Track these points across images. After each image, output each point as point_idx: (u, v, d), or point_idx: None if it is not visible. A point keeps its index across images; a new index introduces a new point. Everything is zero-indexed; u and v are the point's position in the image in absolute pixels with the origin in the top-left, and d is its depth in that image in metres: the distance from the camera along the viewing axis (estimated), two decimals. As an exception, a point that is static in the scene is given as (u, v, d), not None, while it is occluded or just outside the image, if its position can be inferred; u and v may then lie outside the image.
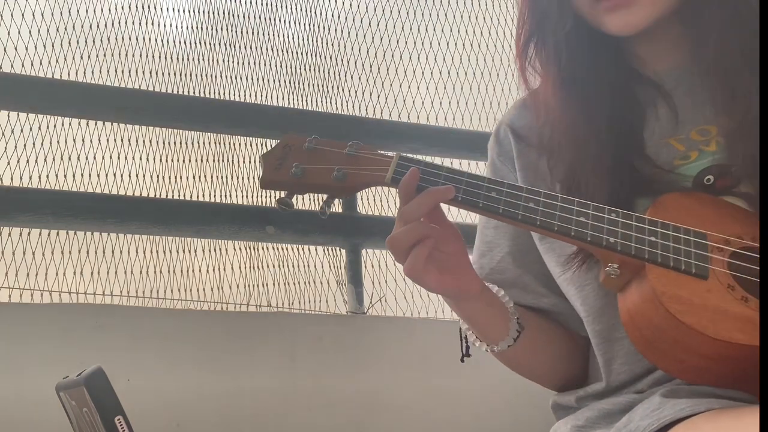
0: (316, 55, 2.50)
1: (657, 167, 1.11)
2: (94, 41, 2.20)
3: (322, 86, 2.49)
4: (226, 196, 2.30)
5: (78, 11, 2.18)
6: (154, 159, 2.23)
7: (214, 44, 2.37)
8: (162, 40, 2.30)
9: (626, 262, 1.01)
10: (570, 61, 1.16)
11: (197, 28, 2.36)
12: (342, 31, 2.53)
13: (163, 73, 2.28)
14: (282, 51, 2.45)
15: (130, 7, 2.26)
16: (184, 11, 2.34)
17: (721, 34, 1.11)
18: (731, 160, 1.09)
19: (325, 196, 1.11)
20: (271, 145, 1.14)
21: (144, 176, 2.21)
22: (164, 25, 2.32)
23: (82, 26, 2.18)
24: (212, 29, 2.37)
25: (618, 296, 1.05)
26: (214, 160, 2.31)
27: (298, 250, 2.35)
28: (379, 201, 2.46)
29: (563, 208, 1.04)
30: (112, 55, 2.22)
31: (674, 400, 1.00)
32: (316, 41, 2.51)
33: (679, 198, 1.07)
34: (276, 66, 2.43)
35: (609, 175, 1.10)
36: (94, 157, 2.16)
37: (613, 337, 1.14)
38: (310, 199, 2.34)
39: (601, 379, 1.16)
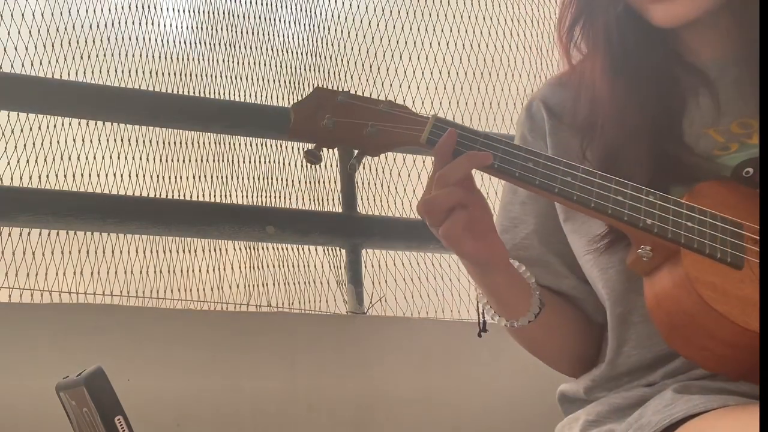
0: (316, 55, 2.49)
1: (696, 155, 1.10)
2: (94, 41, 2.19)
3: (322, 86, 2.48)
4: (226, 196, 2.30)
5: (78, 11, 2.18)
6: (154, 159, 2.23)
7: (214, 44, 2.36)
8: (162, 40, 2.30)
9: (660, 245, 1.00)
10: (620, 43, 1.15)
11: (197, 28, 2.36)
12: (342, 31, 2.53)
13: (163, 73, 2.28)
14: (282, 51, 2.45)
15: (130, 7, 2.26)
16: (184, 11, 2.34)
17: None
18: None
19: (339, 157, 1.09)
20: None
21: (144, 176, 2.20)
22: (164, 25, 2.31)
23: (82, 26, 2.18)
24: (212, 29, 2.37)
25: (645, 280, 1.04)
26: (214, 160, 2.31)
27: (298, 250, 2.35)
28: (379, 201, 2.46)
29: (601, 185, 1.02)
30: (112, 55, 2.22)
31: (687, 395, 1.00)
32: (316, 41, 2.51)
33: (716, 186, 1.06)
34: (276, 66, 2.43)
35: (649, 159, 1.09)
36: (94, 157, 2.15)
37: (630, 320, 1.13)
38: (310, 199, 2.35)
39: (608, 363, 1.16)
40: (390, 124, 1.06)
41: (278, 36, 2.45)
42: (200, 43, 2.35)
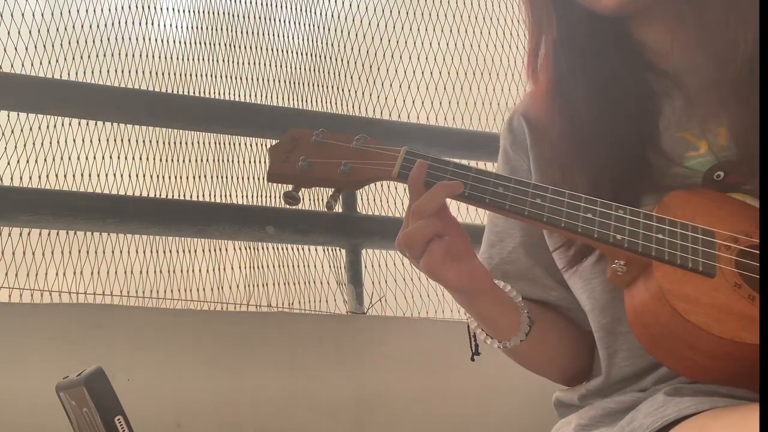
0: (316, 55, 2.50)
1: (667, 159, 1.10)
2: (94, 41, 2.20)
3: (322, 86, 2.49)
4: (226, 196, 2.30)
5: (78, 11, 2.18)
6: (154, 159, 2.23)
7: (214, 44, 2.37)
8: (162, 40, 2.30)
9: (633, 259, 1.01)
10: (567, 62, 1.16)
11: (197, 28, 2.36)
12: (342, 31, 2.53)
13: (163, 73, 2.28)
14: (282, 51, 2.45)
15: (130, 7, 2.26)
16: (184, 11, 2.34)
17: (728, 23, 1.10)
18: (742, 156, 1.08)
19: (331, 190, 1.10)
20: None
21: (144, 176, 2.21)
22: (164, 25, 2.32)
23: (82, 26, 2.18)
24: (212, 29, 2.37)
25: (624, 293, 1.05)
26: (214, 160, 2.31)
27: (298, 250, 2.35)
28: (379, 201, 2.46)
29: (570, 204, 1.03)
30: (112, 55, 2.22)
31: (678, 398, 1.00)
32: (316, 41, 2.51)
33: (686, 195, 1.07)
34: (276, 66, 2.43)
35: (601, 177, 1.09)
36: (94, 157, 2.16)
37: (617, 330, 1.13)
38: (310, 199, 2.35)
39: (601, 374, 1.16)
40: (363, 161, 1.09)
41: (278, 36, 2.45)
42: (200, 43, 2.36)
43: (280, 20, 2.46)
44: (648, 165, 1.10)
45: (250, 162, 2.34)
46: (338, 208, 2.35)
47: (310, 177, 1.10)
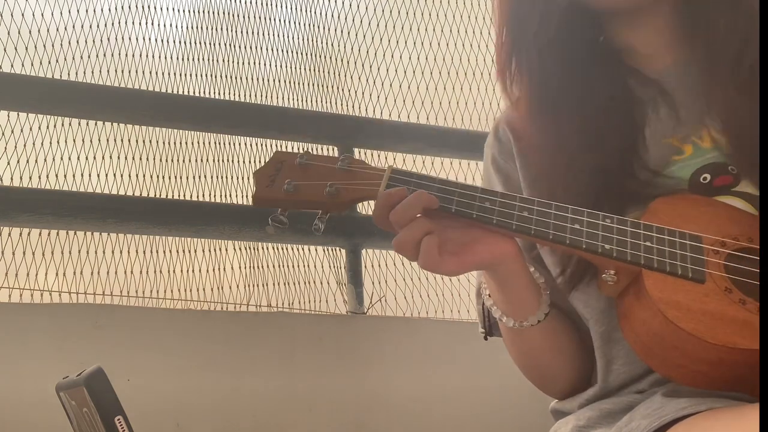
0: (316, 55, 2.50)
1: (652, 171, 1.10)
2: (94, 41, 2.20)
3: (322, 86, 2.49)
4: (226, 196, 2.30)
5: (78, 11, 2.18)
6: (154, 159, 2.23)
7: (214, 44, 2.37)
8: (162, 40, 2.30)
9: (622, 268, 1.01)
10: (552, 74, 1.15)
11: (197, 28, 2.36)
12: (342, 31, 2.53)
13: (162, 73, 2.28)
14: (282, 51, 2.45)
15: (130, 7, 2.26)
16: (183, 11, 2.34)
17: (714, 23, 1.10)
18: (731, 159, 1.07)
19: (318, 212, 1.09)
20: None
21: (144, 176, 2.20)
22: (164, 25, 2.32)
23: (82, 26, 2.18)
24: (212, 29, 2.37)
25: (615, 302, 1.05)
26: (214, 160, 2.31)
27: (298, 250, 2.35)
28: (379, 201, 2.46)
29: (557, 216, 1.03)
30: (112, 55, 2.22)
31: (676, 399, 1.00)
32: (316, 41, 2.51)
33: (672, 201, 1.07)
34: (276, 66, 2.43)
35: (587, 190, 1.09)
36: (94, 157, 2.15)
37: (614, 337, 1.13)
38: (310, 199, 2.34)
39: (597, 382, 1.15)
40: (348, 182, 1.08)
41: (278, 36, 2.45)
42: (200, 43, 2.35)
43: (280, 20, 2.46)
44: (633, 177, 1.10)
45: (250, 162, 2.34)
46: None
47: (296, 200, 1.09)
